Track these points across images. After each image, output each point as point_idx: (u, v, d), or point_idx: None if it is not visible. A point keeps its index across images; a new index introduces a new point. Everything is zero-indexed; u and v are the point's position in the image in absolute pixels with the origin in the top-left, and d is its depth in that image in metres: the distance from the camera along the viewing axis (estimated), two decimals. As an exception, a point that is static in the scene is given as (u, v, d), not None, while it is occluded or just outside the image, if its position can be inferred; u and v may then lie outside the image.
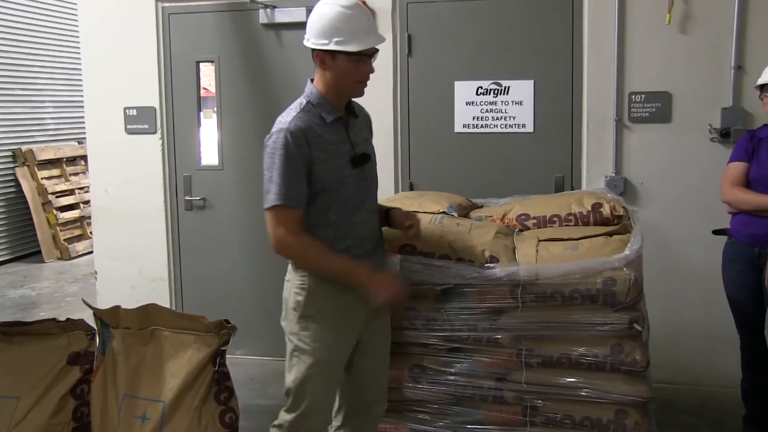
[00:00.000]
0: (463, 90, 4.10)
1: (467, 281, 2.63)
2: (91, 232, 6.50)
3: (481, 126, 4.10)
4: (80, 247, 8.19)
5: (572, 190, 3.93)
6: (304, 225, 2.35)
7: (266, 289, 4.26)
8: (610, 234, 2.73)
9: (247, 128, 4.38)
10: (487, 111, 4.08)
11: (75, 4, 4.84)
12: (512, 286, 2.60)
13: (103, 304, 3.61)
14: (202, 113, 4.57)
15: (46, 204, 8.04)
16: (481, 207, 3.25)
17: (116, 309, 2.49)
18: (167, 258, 4.64)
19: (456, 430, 2.73)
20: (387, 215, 2.62)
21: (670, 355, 3.84)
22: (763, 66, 3.14)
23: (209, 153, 4.57)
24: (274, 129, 2.33)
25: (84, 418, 2.50)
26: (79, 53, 4.80)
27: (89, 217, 6.00)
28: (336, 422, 2.66)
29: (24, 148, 7.98)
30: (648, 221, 3.66)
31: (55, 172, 8.31)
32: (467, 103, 4.11)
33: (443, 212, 2.95)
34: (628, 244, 2.58)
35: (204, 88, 4.56)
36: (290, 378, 2.43)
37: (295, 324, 2.42)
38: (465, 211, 3.11)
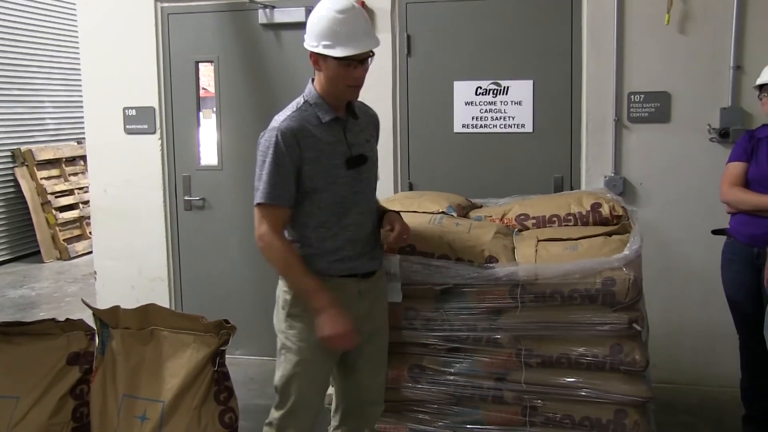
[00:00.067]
0: (463, 90, 4.10)
1: (466, 281, 2.63)
2: (90, 232, 6.50)
3: (481, 126, 4.10)
4: (80, 247, 8.19)
5: (571, 190, 3.94)
6: (295, 224, 2.40)
7: (266, 289, 4.23)
8: (609, 234, 2.73)
9: (247, 128, 4.38)
10: (486, 111, 4.09)
11: (74, 4, 4.83)
12: (511, 286, 2.60)
13: (103, 304, 3.61)
14: (201, 113, 4.57)
15: (45, 204, 8.04)
16: (481, 207, 3.25)
17: (116, 309, 2.49)
18: (167, 258, 4.64)
19: (456, 430, 2.73)
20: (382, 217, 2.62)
21: (670, 355, 3.84)
22: (761, 66, 3.14)
23: (208, 153, 4.57)
24: (268, 128, 2.36)
25: (83, 418, 2.51)
26: (78, 53, 4.80)
27: (88, 217, 6.00)
28: (334, 422, 2.67)
29: (23, 148, 7.98)
30: (647, 221, 3.66)
31: (55, 172, 8.31)
32: (466, 103, 4.11)
33: (442, 212, 2.95)
34: (628, 244, 2.58)
35: (203, 88, 4.56)
36: (277, 375, 2.46)
37: (282, 322, 2.45)
38: (464, 211, 3.11)
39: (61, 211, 8.16)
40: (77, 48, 4.83)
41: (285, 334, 2.45)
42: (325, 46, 2.29)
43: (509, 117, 4.06)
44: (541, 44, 3.98)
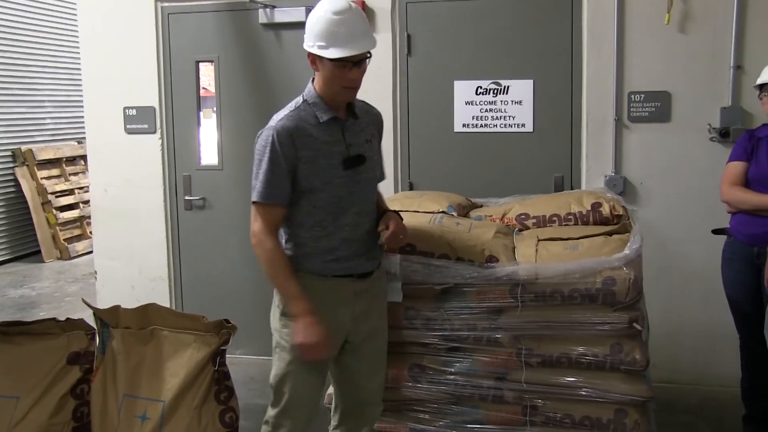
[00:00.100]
0: (463, 89, 4.10)
1: (467, 281, 2.63)
2: (90, 232, 6.50)
3: (481, 126, 4.10)
4: (80, 246, 8.20)
5: (572, 189, 3.94)
6: (291, 222, 2.41)
7: (266, 288, 4.22)
8: (609, 233, 2.73)
9: (247, 128, 4.38)
10: (486, 111, 4.09)
11: (75, 4, 4.84)
12: (512, 285, 2.60)
13: (103, 303, 3.61)
14: (201, 113, 4.57)
15: (45, 204, 8.04)
16: (481, 206, 3.25)
17: (116, 309, 2.49)
18: (167, 258, 4.64)
19: (456, 429, 2.73)
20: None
21: (670, 354, 3.84)
22: (762, 66, 3.14)
23: (209, 153, 4.57)
24: (265, 126, 2.38)
25: (84, 417, 2.51)
26: (78, 53, 4.80)
27: (89, 217, 6.00)
28: (333, 421, 2.68)
29: (23, 147, 7.99)
30: (647, 221, 3.66)
31: (55, 171, 8.31)
32: (467, 103, 4.11)
33: (443, 212, 2.95)
34: (628, 244, 2.58)
35: (203, 88, 4.56)
36: (272, 374, 2.48)
37: (277, 320, 2.46)
38: (464, 211, 3.11)
39: (61, 211, 8.16)
40: (77, 47, 4.83)
41: (279, 332, 2.46)
42: (319, 47, 2.30)
43: (509, 116, 4.06)
44: (542, 44, 3.98)
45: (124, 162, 4.63)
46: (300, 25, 3.30)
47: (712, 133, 3.77)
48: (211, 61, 4.49)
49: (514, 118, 4.05)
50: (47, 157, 8.17)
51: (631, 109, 3.87)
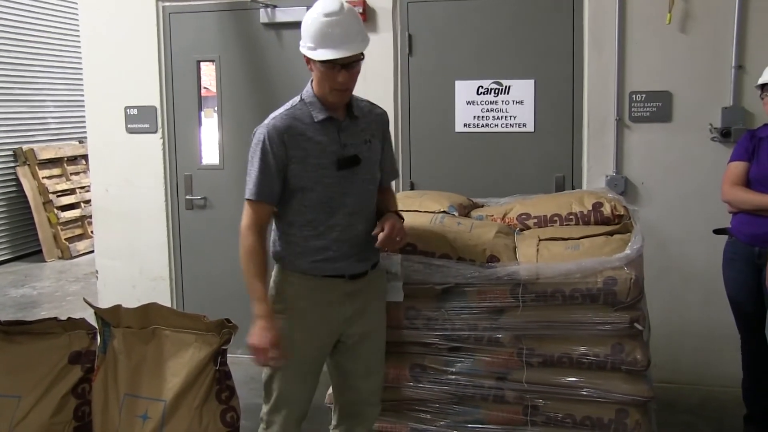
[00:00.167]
0: (464, 89, 4.10)
1: (468, 280, 2.63)
2: (91, 232, 6.51)
3: (482, 125, 4.10)
4: (81, 246, 8.20)
5: (573, 189, 3.93)
6: (283, 221, 2.45)
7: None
8: (610, 233, 2.73)
9: (248, 127, 4.31)
10: (487, 110, 4.09)
11: (76, 3, 4.84)
12: (513, 285, 2.60)
13: (104, 303, 3.62)
14: (202, 112, 4.57)
15: (47, 203, 8.05)
16: (482, 206, 3.25)
17: (117, 308, 2.49)
18: (168, 257, 4.65)
19: (457, 429, 2.73)
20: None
21: (671, 354, 3.84)
22: (763, 65, 3.14)
23: (210, 152, 4.57)
24: (260, 125, 2.41)
25: (85, 417, 2.51)
26: (80, 52, 4.80)
27: (90, 217, 6.01)
28: (333, 421, 2.70)
29: (25, 147, 7.99)
30: (648, 221, 3.66)
31: (56, 171, 8.32)
32: (468, 103, 4.11)
33: (444, 211, 2.95)
34: (629, 244, 2.58)
35: (205, 88, 4.57)
36: (264, 370, 2.50)
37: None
38: (466, 211, 3.11)
39: (62, 211, 8.16)
40: (79, 47, 4.83)
41: None
42: (309, 48, 2.31)
43: (511, 116, 4.06)
44: (543, 44, 3.98)
45: (126, 161, 4.63)
46: (301, 25, 3.31)
47: (713, 133, 3.77)
48: (212, 61, 4.49)
49: (515, 117, 4.05)
50: (48, 157, 8.18)
51: (633, 109, 3.87)
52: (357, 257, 2.46)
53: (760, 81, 3.09)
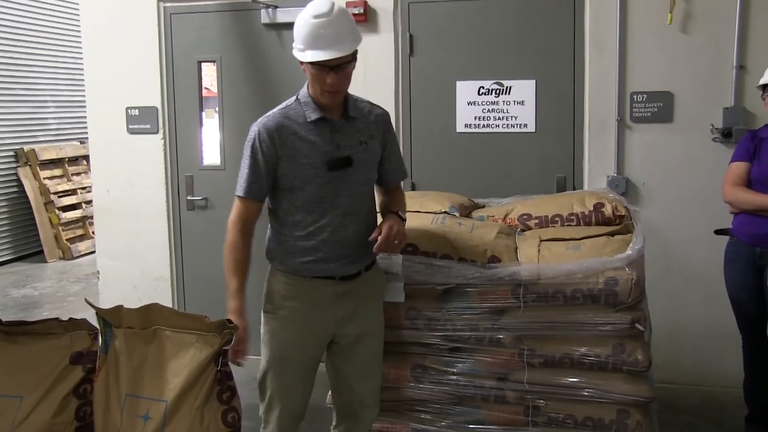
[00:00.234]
0: (465, 90, 4.10)
1: (469, 281, 2.63)
2: (93, 232, 6.51)
3: (483, 126, 4.10)
4: (82, 246, 8.21)
5: (574, 190, 3.94)
6: (275, 221, 2.47)
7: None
8: (611, 234, 2.73)
9: (249, 128, 4.37)
10: (488, 111, 4.09)
11: (77, 3, 4.85)
12: (514, 285, 2.60)
13: (106, 303, 3.62)
14: (203, 113, 4.58)
15: (48, 204, 8.05)
16: (483, 207, 3.25)
17: (118, 308, 2.49)
18: (169, 258, 4.65)
19: (458, 429, 2.73)
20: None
21: (672, 355, 3.84)
22: (764, 66, 3.14)
23: (211, 153, 4.58)
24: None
25: (87, 417, 2.50)
26: (81, 53, 4.81)
27: (91, 217, 6.02)
28: (333, 422, 2.71)
29: (26, 148, 8.00)
30: (650, 221, 3.66)
31: (57, 172, 8.32)
32: (469, 103, 4.11)
33: (445, 212, 2.95)
34: (630, 244, 2.58)
35: (206, 88, 4.57)
36: (259, 368, 2.56)
37: (262, 316, 2.53)
38: (467, 211, 3.11)
39: (63, 211, 8.17)
40: (80, 48, 4.84)
41: (263, 328, 2.53)
42: (298, 49, 2.33)
43: (512, 117, 4.06)
44: (544, 44, 3.98)
45: (127, 162, 4.64)
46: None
47: (714, 134, 3.77)
48: (213, 61, 4.49)
49: (516, 118, 4.05)
50: (50, 157, 8.18)
51: (634, 110, 3.87)
52: (349, 259, 2.45)
53: (762, 81, 3.09)
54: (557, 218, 2.95)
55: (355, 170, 2.42)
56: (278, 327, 2.49)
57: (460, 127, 4.14)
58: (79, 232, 8.37)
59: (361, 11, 4.08)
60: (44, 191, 8.04)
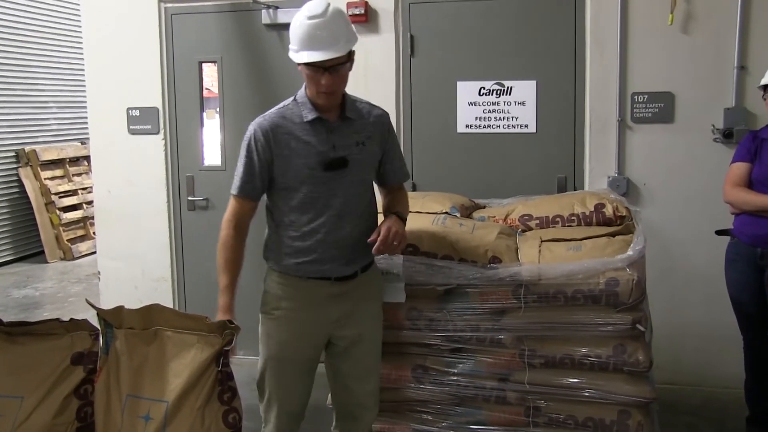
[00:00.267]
0: (466, 90, 4.10)
1: (470, 282, 2.63)
2: (94, 233, 6.51)
3: (484, 126, 4.10)
4: (83, 247, 8.21)
5: (575, 190, 3.93)
6: (272, 220, 2.49)
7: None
8: (612, 234, 2.73)
9: (250, 129, 4.38)
10: (489, 111, 4.09)
11: (78, 4, 4.85)
12: (515, 286, 2.60)
13: (107, 304, 3.61)
14: (204, 114, 4.58)
15: (49, 204, 8.05)
16: (484, 207, 3.25)
17: (119, 309, 2.49)
18: (170, 258, 4.65)
19: (459, 430, 2.73)
20: None
21: (673, 355, 3.84)
22: (766, 66, 3.14)
23: (212, 153, 4.58)
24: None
25: (87, 418, 2.50)
26: (81, 54, 4.81)
27: (92, 218, 6.01)
28: (334, 422, 2.71)
29: (27, 148, 8.00)
30: (650, 222, 3.66)
31: (58, 172, 8.33)
32: (470, 104, 4.11)
33: (446, 213, 2.95)
34: (631, 245, 2.58)
35: (207, 89, 4.57)
36: (257, 369, 2.58)
37: (260, 315, 2.56)
38: (468, 212, 3.11)
39: (64, 212, 8.17)
40: (81, 48, 4.84)
41: (260, 329, 2.55)
42: (293, 50, 2.34)
43: (512, 117, 4.06)
44: (545, 44, 3.98)
45: (128, 163, 4.64)
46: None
47: (715, 134, 3.77)
48: (214, 62, 4.50)
49: (517, 118, 4.05)
50: (51, 158, 8.19)
51: (634, 110, 3.87)
52: (344, 260, 2.45)
53: (763, 82, 3.09)
54: (558, 219, 2.95)
55: (350, 171, 2.42)
56: (274, 327, 2.50)
57: (461, 128, 4.14)
58: (80, 232, 8.37)
59: (362, 12, 4.08)
60: (45, 192, 8.04)
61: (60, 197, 8.17)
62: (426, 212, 2.95)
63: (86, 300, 2.76)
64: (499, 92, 4.06)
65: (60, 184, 8.25)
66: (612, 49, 3.84)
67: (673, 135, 3.85)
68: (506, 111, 4.06)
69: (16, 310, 6.09)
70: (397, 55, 4.16)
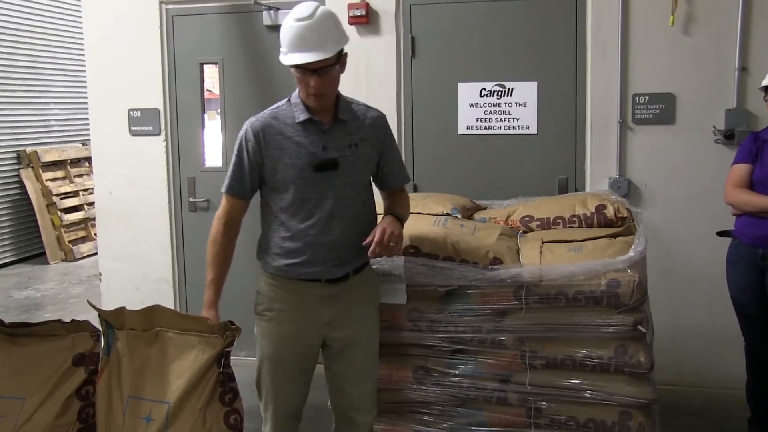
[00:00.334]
0: (467, 91, 4.11)
1: (471, 283, 2.63)
2: (95, 234, 6.51)
3: (485, 128, 4.10)
4: (84, 248, 8.21)
5: (576, 191, 3.93)
6: (264, 220, 2.51)
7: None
8: (614, 236, 2.73)
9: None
10: (490, 112, 4.09)
11: (79, 6, 4.85)
12: (516, 287, 2.60)
13: (108, 305, 3.62)
14: (206, 115, 4.58)
15: (50, 205, 8.06)
16: (485, 209, 3.25)
17: (121, 310, 2.49)
18: (171, 259, 4.65)
19: (460, 431, 2.73)
20: None
21: (674, 356, 3.84)
22: (767, 67, 3.14)
23: (213, 154, 4.58)
24: None
25: (89, 419, 2.51)
26: (83, 55, 4.82)
27: (93, 219, 6.01)
28: (334, 424, 2.70)
29: (28, 149, 8.01)
30: (652, 223, 3.66)
31: (60, 173, 8.34)
32: (471, 105, 4.11)
33: (447, 214, 2.95)
34: (632, 246, 2.58)
35: (208, 90, 4.58)
36: (254, 369, 2.60)
37: (255, 317, 2.57)
38: (469, 213, 3.11)
39: (66, 213, 8.18)
40: (82, 50, 4.85)
41: (255, 329, 2.56)
42: (282, 53, 2.36)
43: (514, 118, 4.06)
44: (546, 46, 3.98)
45: (129, 164, 4.65)
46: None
47: (716, 135, 3.77)
48: (215, 63, 4.50)
49: (518, 120, 4.06)
50: (52, 159, 8.20)
51: (636, 111, 3.87)
52: (335, 262, 2.44)
53: (764, 83, 3.09)
54: (559, 220, 2.95)
55: (341, 173, 2.41)
56: (267, 328, 2.51)
57: (462, 129, 4.14)
58: (81, 233, 8.38)
59: (363, 13, 4.09)
60: (46, 193, 8.05)
61: (61, 198, 8.17)
62: (427, 213, 2.95)
63: (87, 301, 2.77)
64: (500, 93, 4.06)
65: (61, 186, 8.26)
66: (613, 51, 3.85)
67: (674, 136, 3.85)
68: (507, 112, 4.06)
69: (18, 311, 6.09)
70: (398, 56, 4.16)
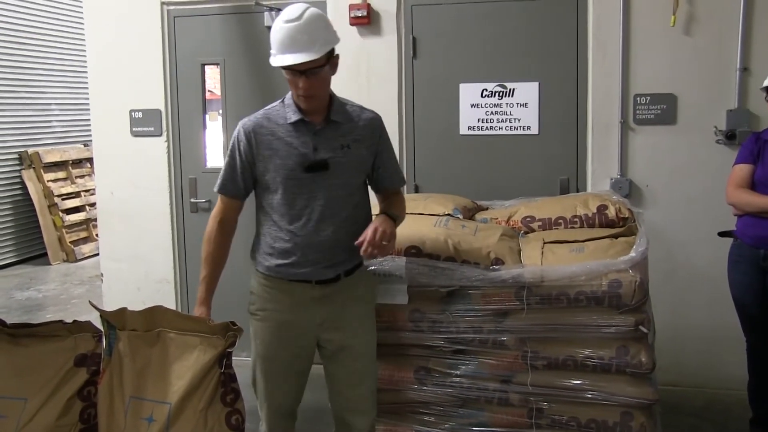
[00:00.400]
0: (468, 92, 4.11)
1: (472, 283, 2.63)
2: (96, 235, 6.52)
3: (486, 128, 4.10)
4: (86, 249, 8.22)
5: (577, 192, 3.93)
6: (257, 220, 2.53)
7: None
8: (615, 236, 2.73)
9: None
10: (492, 113, 4.09)
11: (81, 7, 4.86)
12: (517, 288, 2.60)
13: (109, 306, 3.62)
14: (207, 115, 4.59)
15: (52, 206, 8.07)
16: (487, 209, 3.26)
17: (122, 311, 2.50)
18: (173, 260, 4.66)
19: (461, 432, 2.73)
20: None
21: (676, 357, 3.83)
22: (768, 68, 3.14)
23: (214, 155, 4.58)
24: None
25: (91, 419, 2.51)
26: (84, 56, 4.83)
27: (95, 220, 6.01)
28: (335, 426, 2.70)
29: (30, 150, 8.02)
30: (653, 223, 3.66)
31: (61, 174, 8.35)
32: (472, 105, 4.11)
33: (448, 214, 2.95)
34: (634, 246, 2.58)
35: (209, 91, 4.58)
36: (249, 369, 2.61)
37: (248, 316, 2.59)
38: (470, 213, 3.11)
39: (67, 214, 8.19)
40: (84, 51, 4.85)
41: (250, 329, 2.56)
42: (272, 54, 2.35)
43: (515, 119, 4.06)
44: (547, 46, 3.98)
45: (130, 165, 4.65)
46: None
47: (718, 136, 3.76)
48: (216, 64, 4.50)
49: (519, 120, 4.06)
50: (53, 160, 8.20)
51: (637, 112, 3.87)
52: (325, 263, 2.44)
53: (765, 83, 3.09)
54: (561, 220, 2.95)
55: (332, 174, 2.40)
56: (260, 328, 2.53)
57: (463, 130, 4.14)
58: (83, 234, 8.39)
59: (365, 14, 4.09)
60: (48, 194, 8.05)
61: (63, 199, 8.18)
62: (428, 214, 2.95)
63: (89, 302, 2.77)
64: (501, 94, 4.06)
65: (63, 186, 8.27)
66: (614, 51, 3.85)
67: (675, 136, 3.85)
68: (509, 113, 4.06)
69: (19, 312, 6.10)
70: (400, 56, 4.16)
